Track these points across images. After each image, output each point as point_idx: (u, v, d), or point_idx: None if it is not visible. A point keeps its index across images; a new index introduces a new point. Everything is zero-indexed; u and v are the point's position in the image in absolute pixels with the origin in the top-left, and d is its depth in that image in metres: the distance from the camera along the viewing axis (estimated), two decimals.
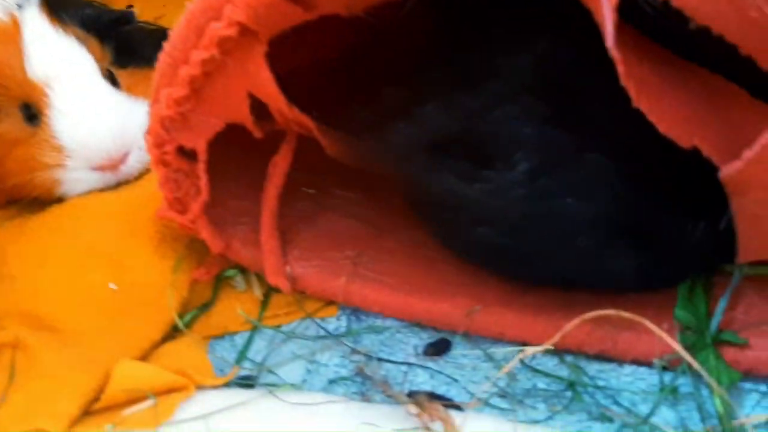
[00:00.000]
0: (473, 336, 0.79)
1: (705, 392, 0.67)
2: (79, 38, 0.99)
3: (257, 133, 0.77)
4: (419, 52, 0.78)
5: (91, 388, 0.74)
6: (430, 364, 0.77)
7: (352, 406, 0.72)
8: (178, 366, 0.77)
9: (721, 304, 0.71)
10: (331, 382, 0.77)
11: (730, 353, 0.68)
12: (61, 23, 1.00)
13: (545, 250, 0.72)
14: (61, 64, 0.96)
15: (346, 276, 0.83)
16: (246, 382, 0.78)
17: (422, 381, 0.76)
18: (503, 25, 0.75)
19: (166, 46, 0.70)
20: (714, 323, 0.70)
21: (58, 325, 0.82)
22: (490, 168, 0.71)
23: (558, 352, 0.75)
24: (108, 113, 0.95)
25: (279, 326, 0.84)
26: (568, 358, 0.74)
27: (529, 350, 0.70)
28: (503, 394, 0.72)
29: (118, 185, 0.98)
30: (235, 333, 0.85)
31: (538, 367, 0.74)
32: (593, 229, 0.69)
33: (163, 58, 0.70)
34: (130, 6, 1.26)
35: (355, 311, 0.84)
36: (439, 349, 0.79)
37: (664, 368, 0.70)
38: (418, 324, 0.81)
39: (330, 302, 0.85)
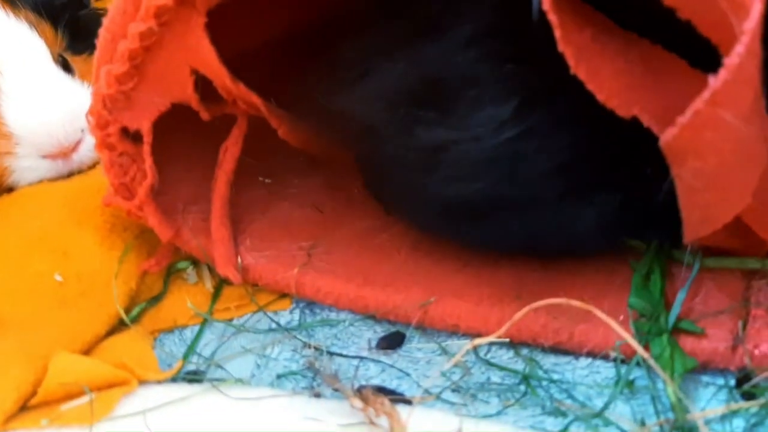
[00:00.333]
0: (429, 330, 0.76)
1: (660, 385, 0.65)
2: (30, 23, 0.96)
3: (204, 114, 0.74)
4: (377, 9, 0.74)
5: (29, 382, 0.72)
6: (382, 357, 0.75)
7: (297, 401, 0.69)
8: (121, 360, 0.74)
9: (680, 296, 0.69)
10: (280, 376, 0.74)
11: (687, 344, 0.66)
12: (12, 7, 0.97)
13: (510, 203, 0.69)
14: (11, 49, 0.94)
15: (298, 267, 0.80)
16: (193, 377, 0.75)
17: (373, 375, 0.73)
18: None
19: (105, 20, 0.67)
20: (673, 314, 0.68)
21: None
22: (475, 112, 0.67)
23: (514, 345, 0.73)
24: (59, 100, 0.93)
25: (230, 320, 0.82)
26: (524, 351, 0.72)
27: (480, 341, 0.67)
28: (456, 389, 0.70)
29: (71, 175, 0.96)
30: (185, 327, 0.82)
31: (493, 361, 0.72)
32: (558, 175, 0.67)
33: (102, 33, 0.68)
34: None
35: (309, 304, 0.82)
36: (392, 342, 0.76)
37: (622, 361, 0.68)
38: (372, 317, 0.78)
39: (283, 295, 0.83)
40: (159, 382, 0.74)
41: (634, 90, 0.57)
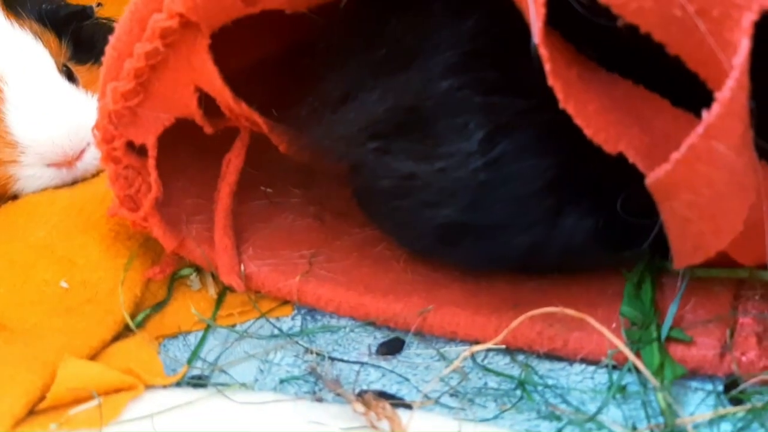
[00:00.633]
0: (427, 336, 0.79)
1: (651, 391, 0.67)
2: (35, 33, 0.98)
3: (207, 129, 0.76)
4: (356, 38, 0.75)
5: (37, 387, 0.73)
6: (382, 363, 0.77)
7: (300, 406, 0.71)
8: (127, 365, 0.75)
9: (672, 309, 0.71)
10: (283, 381, 0.76)
11: (677, 351, 0.69)
12: (17, 17, 0.99)
13: (504, 221, 0.70)
14: (16, 58, 0.95)
15: (300, 275, 0.82)
16: (198, 382, 0.77)
17: (374, 380, 0.75)
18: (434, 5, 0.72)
19: (112, 39, 0.69)
20: (666, 325, 0.70)
21: (6, 323, 0.81)
22: (443, 143, 0.69)
23: (510, 351, 0.75)
24: (63, 109, 0.94)
25: (233, 326, 0.83)
26: (520, 357, 0.74)
27: (478, 348, 0.70)
28: (454, 393, 0.72)
29: (75, 182, 0.97)
30: (188, 332, 0.84)
31: (490, 366, 0.74)
32: (550, 189, 0.68)
33: (108, 51, 0.70)
34: (99, 5, 1.25)
35: (310, 311, 0.84)
36: (392, 348, 0.78)
37: (614, 367, 0.70)
38: (372, 323, 0.80)
39: (285, 302, 0.85)
40: (165, 386, 0.76)
41: (619, 126, 0.59)
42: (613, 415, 0.67)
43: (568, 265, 0.74)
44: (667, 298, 0.72)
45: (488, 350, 0.74)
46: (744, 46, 0.49)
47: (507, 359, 0.75)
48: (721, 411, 0.64)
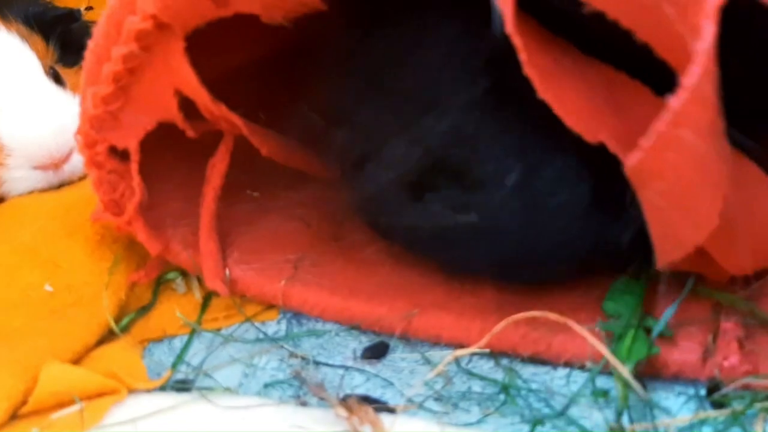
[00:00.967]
0: (412, 340, 0.78)
1: (633, 395, 0.67)
2: (22, 35, 0.98)
3: (189, 132, 0.76)
4: (364, 84, 0.73)
5: (19, 390, 0.73)
6: (367, 367, 0.77)
7: (284, 410, 0.71)
8: (110, 369, 0.75)
9: (668, 312, 0.71)
10: (267, 385, 0.76)
11: (660, 352, 0.69)
12: (4, 20, 0.98)
13: (551, 249, 0.70)
14: (3, 61, 0.95)
15: (285, 279, 0.82)
16: (182, 386, 0.77)
17: (358, 384, 0.75)
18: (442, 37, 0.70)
19: (90, 43, 0.69)
20: (658, 327, 0.70)
21: None
22: (478, 191, 0.68)
23: (494, 354, 0.75)
24: (50, 111, 0.94)
25: (218, 330, 0.83)
26: (504, 361, 0.74)
27: (462, 352, 0.70)
28: (438, 397, 0.72)
29: (61, 185, 0.97)
30: (173, 336, 0.84)
31: (474, 370, 0.74)
32: (591, 213, 0.68)
33: (87, 55, 0.70)
34: (89, 8, 1.25)
35: (296, 315, 0.83)
36: (376, 352, 0.78)
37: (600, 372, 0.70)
38: (357, 327, 0.80)
39: (270, 306, 0.84)
40: (148, 391, 0.75)
41: (599, 115, 0.58)
42: (595, 418, 0.67)
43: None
44: (655, 302, 0.72)
45: (472, 354, 0.74)
46: (709, 30, 0.48)
47: (491, 363, 0.75)
48: (702, 414, 0.64)
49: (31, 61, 0.97)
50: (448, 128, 0.68)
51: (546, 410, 0.69)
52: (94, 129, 0.72)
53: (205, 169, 0.86)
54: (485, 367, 0.75)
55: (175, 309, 0.85)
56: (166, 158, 0.85)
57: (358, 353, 0.79)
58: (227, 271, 0.83)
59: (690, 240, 0.58)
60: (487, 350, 0.73)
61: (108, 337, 0.83)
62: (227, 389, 0.75)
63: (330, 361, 0.78)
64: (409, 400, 0.71)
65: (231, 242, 0.86)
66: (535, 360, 0.73)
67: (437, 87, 0.69)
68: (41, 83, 0.96)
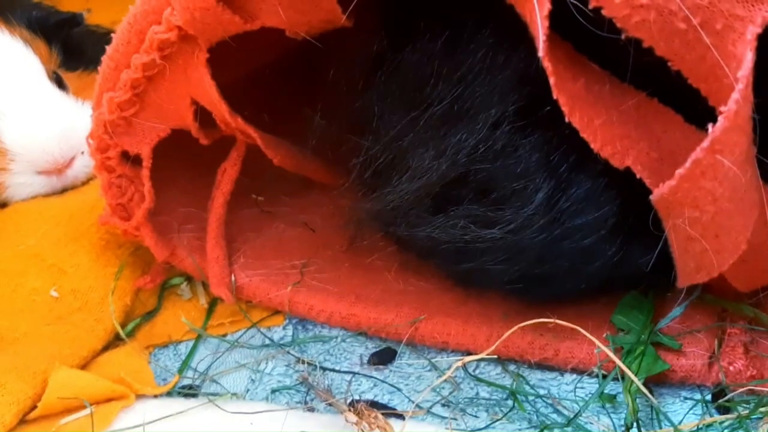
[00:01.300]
0: (419, 345, 0.79)
1: (640, 400, 0.68)
2: (25, 40, 0.98)
3: (203, 140, 0.76)
4: (394, 97, 0.72)
5: (28, 396, 0.73)
6: (374, 373, 0.77)
7: (292, 416, 0.71)
8: (118, 374, 0.75)
9: (674, 313, 0.72)
10: (274, 391, 0.76)
11: (667, 359, 0.69)
12: (7, 24, 0.98)
13: (573, 268, 0.70)
14: (6, 65, 0.95)
15: (291, 285, 0.82)
16: (188, 392, 0.77)
17: (366, 390, 0.76)
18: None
19: (109, 49, 0.69)
20: (658, 326, 0.71)
21: None
22: (503, 207, 0.68)
23: (502, 361, 0.75)
24: (54, 116, 0.94)
25: (224, 335, 0.83)
26: (511, 367, 0.75)
27: (470, 358, 0.70)
28: (446, 403, 0.72)
29: (65, 190, 0.97)
30: (179, 342, 0.84)
31: (481, 376, 0.74)
32: (614, 235, 0.67)
33: (105, 61, 0.70)
34: (88, 10, 1.24)
35: (302, 321, 0.84)
36: (383, 358, 0.79)
37: (604, 376, 0.71)
38: (363, 333, 0.81)
39: (276, 311, 0.85)
40: (155, 396, 0.76)
41: (627, 141, 0.58)
42: (603, 423, 0.68)
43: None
44: (662, 314, 0.73)
45: (480, 360, 0.75)
46: (748, 59, 0.49)
47: (498, 369, 0.75)
48: (708, 419, 0.65)
49: (34, 65, 0.96)
50: (476, 142, 0.67)
51: (553, 416, 0.69)
52: (108, 134, 0.72)
53: (210, 174, 0.86)
54: (492, 373, 0.75)
55: (180, 314, 0.85)
56: (172, 163, 0.85)
57: (365, 359, 0.79)
58: (233, 277, 0.83)
59: (715, 266, 0.58)
60: (495, 356, 0.74)
61: (114, 342, 0.83)
62: (234, 395, 0.76)
63: (337, 367, 0.78)
64: (417, 406, 0.72)
65: (236, 248, 0.86)
66: (543, 366, 0.74)
67: (468, 100, 0.68)
68: (44, 88, 0.96)
